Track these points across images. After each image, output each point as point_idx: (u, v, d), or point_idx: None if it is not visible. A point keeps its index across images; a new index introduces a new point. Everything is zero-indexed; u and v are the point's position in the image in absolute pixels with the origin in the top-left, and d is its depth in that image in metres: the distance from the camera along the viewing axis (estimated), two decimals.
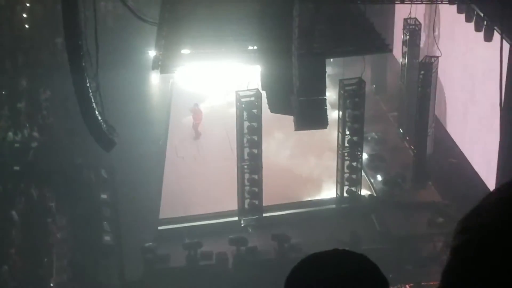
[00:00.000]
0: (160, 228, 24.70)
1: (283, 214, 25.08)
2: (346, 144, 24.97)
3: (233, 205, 24.41)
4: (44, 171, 25.43)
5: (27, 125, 26.99)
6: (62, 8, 19.83)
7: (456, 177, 25.72)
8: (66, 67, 21.05)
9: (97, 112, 21.08)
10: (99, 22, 20.93)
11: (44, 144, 26.65)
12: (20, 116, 27.24)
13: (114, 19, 29.58)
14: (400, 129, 29.28)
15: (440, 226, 23.78)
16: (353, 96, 24.69)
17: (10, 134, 26.44)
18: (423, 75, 26.15)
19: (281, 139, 27.77)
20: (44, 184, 25.05)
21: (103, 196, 24.82)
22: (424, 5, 26.29)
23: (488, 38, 22.76)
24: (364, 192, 25.90)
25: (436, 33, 28.48)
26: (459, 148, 27.01)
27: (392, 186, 26.39)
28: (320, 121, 21.96)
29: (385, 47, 25.14)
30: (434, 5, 25.71)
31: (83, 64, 20.21)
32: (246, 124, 23.71)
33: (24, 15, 30.38)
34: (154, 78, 29.68)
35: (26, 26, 30.06)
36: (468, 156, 26.19)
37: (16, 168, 25.56)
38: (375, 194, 26.17)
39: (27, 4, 30.62)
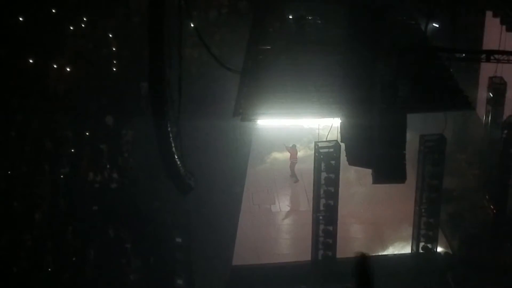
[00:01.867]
0: (232, 274, 24.66)
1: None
2: (424, 200, 24.69)
3: (307, 256, 24.27)
4: (122, 212, 25.70)
5: (108, 166, 27.38)
6: (149, 54, 20.21)
7: None
8: (149, 111, 21.34)
9: (176, 157, 21.30)
10: (183, 68, 21.21)
11: (124, 186, 26.97)
12: (102, 157, 27.67)
13: (198, 66, 29.94)
14: (482, 188, 28.78)
15: None
16: (433, 152, 24.47)
17: (91, 174, 26.86)
18: (506, 134, 25.85)
19: (358, 191, 27.63)
20: (121, 225, 25.30)
21: (178, 239, 24.92)
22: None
23: None
24: (441, 249, 25.49)
25: None
26: None
27: (471, 245, 25.87)
28: (398, 175, 21.75)
29: (467, 104, 24.92)
30: None
31: (166, 109, 20.49)
32: (323, 175, 23.66)
33: (111, 59, 31.03)
34: (235, 126, 29.86)
35: (113, 69, 30.65)
36: None
37: (95, 208, 25.91)
38: (451, 252, 25.69)
39: (114, 49, 31.28)
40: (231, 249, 25.46)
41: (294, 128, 30.02)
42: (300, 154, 30.05)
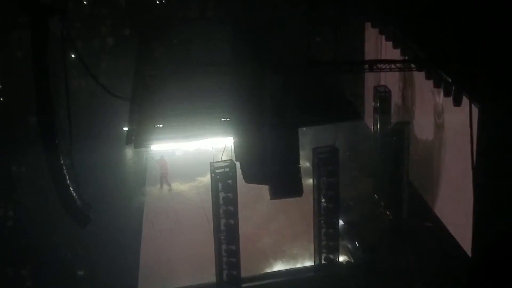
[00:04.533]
0: None
1: (262, 284, 24.95)
2: (322, 212, 25.02)
3: (212, 277, 24.29)
4: (20, 249, 25.23)
5: (2, 204, 26.86)
6: (35, 87, 19.99)
7: (432, 241, 25.85)
8: (40, 144, 21.08)
9: (71, 189, 21.11)
10: (71, 99, 21.05)
11: (19, 223, 26.49)
12: None
13: (87, 96, 29.72)
14: (375, 195, 29.41)
15: None
16: (327, 164, 24.81)
17: None
18: (395, 141, 26.49)
19: (257, 208, 27.81)
20: (20, 263, 24.83)
21: (80, 273, 24.63)
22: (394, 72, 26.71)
23: (457, 102, 23.19)
24: (342, 259, 25.88)
25: (406, 99, 28.92)
26: (434, 212, 27.21)
27: (370, 252, 26.38)
28: (295, 190, 22.06)
29: (356, 115, 25.48)
30: (404, 72, 26.20)
31: (57, 141, 20.28)
32: (221, 195, 23.72)
33: None
34: (129, 153, 29.75)
35: (0, 105, 30.15)
36: (444, 219, 26.39)
37: None
38: (352, 261, 26.12)
39: None
40: (135, 276, 25.24)
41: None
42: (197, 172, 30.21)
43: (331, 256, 25.28)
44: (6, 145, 28.31)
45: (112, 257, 24.88)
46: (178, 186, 30.70)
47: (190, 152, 29.77)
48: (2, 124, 29.36)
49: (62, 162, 20.68)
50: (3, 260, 24.83)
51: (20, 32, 30.38)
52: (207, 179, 25.60)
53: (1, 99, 30.30)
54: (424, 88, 26.67)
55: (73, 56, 24.49)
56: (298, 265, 26.12)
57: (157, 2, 33.54)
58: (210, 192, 23.75)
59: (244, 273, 24.27)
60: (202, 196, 28.38)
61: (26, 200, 27.41)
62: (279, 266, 25.89)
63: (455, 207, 25.25)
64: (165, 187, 30.70)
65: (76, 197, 21.44)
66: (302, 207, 27.08)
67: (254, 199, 27.19)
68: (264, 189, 22.36)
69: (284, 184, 21.74)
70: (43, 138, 20.53)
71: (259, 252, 26.09)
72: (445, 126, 26.15)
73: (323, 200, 24.90)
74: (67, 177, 20.90)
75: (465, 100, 22.63)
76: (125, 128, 25.01)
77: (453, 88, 23.25)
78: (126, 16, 34.31)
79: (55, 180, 21.02)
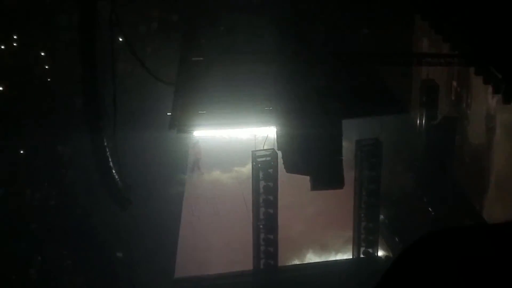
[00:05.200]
0: (175, 287, 24.59)
1: (298, 275, 24.91)
2: (363, 205, 24.89)
3: (249, 265, 24.31)
4: (62, 229, 25.50)
5: (46, 184, 27.14)
6: (82, 70, 20.13)
7: None
8: (85, 127, 21.25)
9: (114, 171, 21.24)
10: (117, 83, 21.16)
11: (62, 203, 26.76)
12: (39, 174, 27.41)
13: (132, 80, 29.87)
14: (418, 190, 29.12)
15: None
16: (370, 157, 24.68)
17: (28, 192, 26.60)
18: (441, 136, 26.19)
19: (297, 199, 27.73)
20: (61, 243, 25.10)
21: (119, 254, 24.82)
22: (442, 67, 26.34)
23: (506, 100, 22.71)
24: (381, 253, 25.71)
25: (454, 94, 28.55)
26: (477, 210, 26.87)
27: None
28: (336, 182, 21.92)
29: (402, 108, 25.22)
30: (452, 67, 25.84)
31: (101, 124, 20.42)
32: (262, 183, 23.72)
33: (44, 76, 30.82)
34: (172, 138, 29.86)
35: (47, 86, 30.41)
36: (490, 220, 26.03)
37: (34, 226, 25.66)
38: (392, 256, 25.94)
39: (46, 67, 31.07)
40: (173, 262, 25.38)
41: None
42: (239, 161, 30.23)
43: (370, 250, 25.13)
44: (51, 127, 28.60)
45: (151, 240, 25.03)
46: (219, 174, 30.76)
47: (231, 140, 29.83)
48: (48, 106, 29.64)
49: (105, 144, 20.81)
50: (44, 239, 25.11)
51: (69, 15, 30.63)
52: (247, 168, 25.56)
53: (49, 79, 30.59)
54: (478, 85, 26.24)
55: (120, 40, 24.60)
56: (334, 257, 26.01)
57: None
58: (251, 181, 23.75)
59: (280, 262, 24.25)
60: (243, 184, 28.37)
61: (69, 180, 27.67)
62: (315, 257, 25.83)
63: (504, 209, 24.82)
64: (198, 172, 30.97)
65: (118, 180, 21.57)
66: (341, 199, 26.92)
67: (294, 189, 27.10)
68: (305, 179, 22.25)
69: (326, 175, 21.60)
70: (88, 121, 20.69)
71: (296, 241, 26.02)
72: (497, 125, 25.71)
73: (364, 194, 24.77)
74: (110, 160, 21.03)
75: None
76: (169, 113, 25.08)
77: (504, 85, 22.80)
78: (174, 2, 34.35)
79: (98, 162, 21.18)
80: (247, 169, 25.52)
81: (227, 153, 30.85)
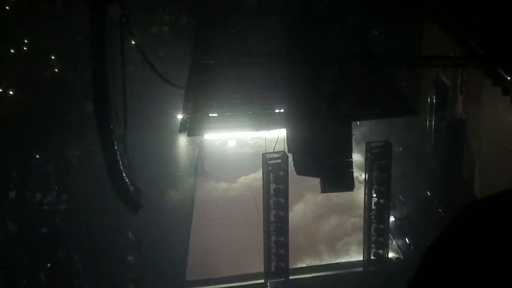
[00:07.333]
0: None
1: (309, 277, 24.93)
2: (373, 207, 24.91)
3: (260, 268, 24.32)
4: (72, 233, 25.53)
5: (56, 187, 27.17)
6: (92, 73, 20.14)
7: None
8: (95, 130, 21.25)
9: (124, 175, 21.22)
10: (127, 86, 21.16)
11: (72, 206, 26.79)
12: (49, 178, 27.46)
13: (143, 83, 29.93)
14: (428, 192, 29.12)
15: None
16: (380, 159, 24.69)
17: (39, 195, 26.64)
18: (451, 138, 26.19)
19: (308, 201, 27.75)
20: (71, 246, 25.12)
21: (130, 258, 24.84)
22: (452, 69, 26.33)
23: None
24: (392, 255, 25.70)
25: (463, 96, 28.51)
26: None
27: (420, 249, 26.15)
28: (346, 184, 21.92)
29: (411, 110, 25.19)
30: (461, 69, 25.82)
31: (111, 127, 20.41)
32: (272, 186, 23.74)
33: (54, 80, 30.92)
34: (182, 141, 29.91)
35: (57, 90, 30.49)
36: None
37: (44, 230, 25.70)
38: (402, 258, 25.93)
39: (56, 70, 31.16)
40: (184, 265, 25.41)
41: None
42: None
43: (380, 252, 25.14)
44: (61, 130, 28.65)
45: (162, 244, 25.06)
46: (229, 177, 30.73)
47: (241, 142, 29.86)
48: (58, 108, 29.70)
49: (116, 147, 20.79)
50: (55, 243, 25.14)
51: (79, 18, 30.71)
52: (258, 173, 25.59)
53: (59, 83, 30.70)
54: (482, 85, 26.21)
55: (131, 43, 24.63)
56: (347, 259, 26.03)
57: None
58: (261, 183, 23.78)
59: (291, 265, 24.27)
60: (254, 187, 28.41)
61: (79, 184, 27.70)
62: (326, 259, 25.85)
63: None
64: (205, 175, 30.96)
65: (128, 183, 21.56)
66: (351, 201, 26.96)
67: (305, 191, 27.13)
68: (315, 181, 22.26)
69: (336, 178, 21.59)
70: (98, 123, 20.66)
71: (308, 245, 26.03)
72: (502, 126, 25.68)
73: (374, 195, 24.78)
74: (120, 163, 21.01)
75: None
76: (179, 116, 25.11)
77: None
78: (184, 4, 34.45)
79: (109, 165, 21.15)
80: (258, 172, 25.52)
81: (238, 155, 30.87)
